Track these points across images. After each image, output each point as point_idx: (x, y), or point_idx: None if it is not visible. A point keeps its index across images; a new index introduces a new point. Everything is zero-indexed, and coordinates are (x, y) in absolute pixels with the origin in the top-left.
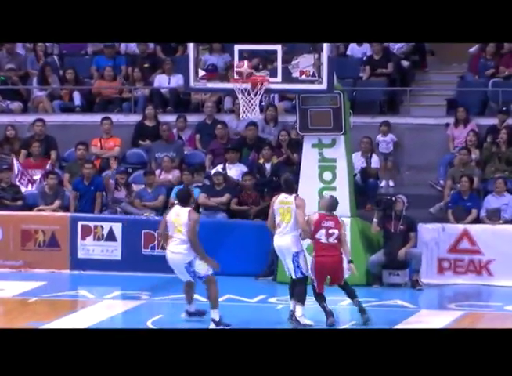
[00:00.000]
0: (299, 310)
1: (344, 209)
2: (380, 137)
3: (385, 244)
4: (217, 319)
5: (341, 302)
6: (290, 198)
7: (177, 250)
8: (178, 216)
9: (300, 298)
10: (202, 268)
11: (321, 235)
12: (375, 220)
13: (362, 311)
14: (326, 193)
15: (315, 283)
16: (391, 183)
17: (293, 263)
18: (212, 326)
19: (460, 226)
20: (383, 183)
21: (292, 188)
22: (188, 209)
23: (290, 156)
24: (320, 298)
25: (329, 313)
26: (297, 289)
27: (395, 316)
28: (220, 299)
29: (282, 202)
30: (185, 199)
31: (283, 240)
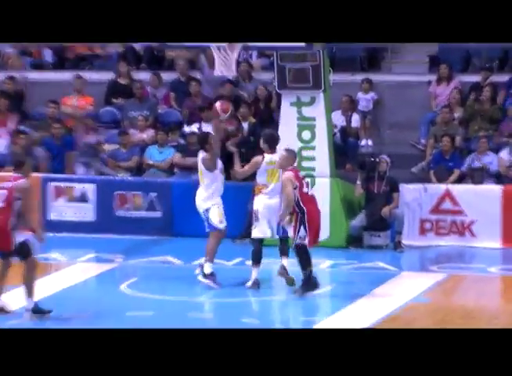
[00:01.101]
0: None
1: (323, 169)
2: (360, 95)
3: (367, 205)
4: (206, 271)
5: (321, 265)
6: (276, 157)
7: (197, 198)
8: (199, 162)
9: (286, 253)
10: (215, 218)
11: (304, 187)
12: (358, 182)
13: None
14: (281, 150)
15: (308, 237)
16: (371, 142)
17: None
18: (200, 278)
19: (442, 186)
20: (363, 142)
21: (275, 145)
22: (203, 155)
23: (267, 112)
24: (309, 262)
25: (312, 284)
26: (284, 247)
27: (376, 278)
28: (195, 262)
29: (269, 163)
30: (201, 143)
31: (273, 200)
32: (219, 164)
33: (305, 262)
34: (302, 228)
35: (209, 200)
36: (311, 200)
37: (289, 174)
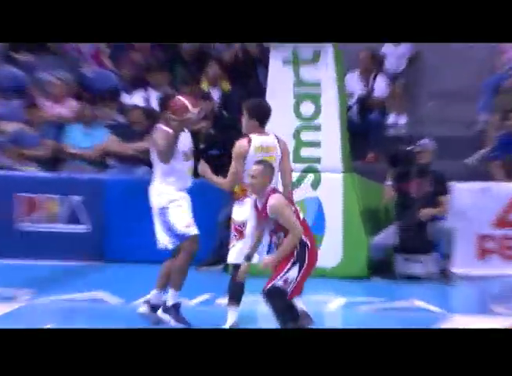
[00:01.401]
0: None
1: (333, 161)
2: (388, 48)
3: (400, 215)
4: (169, 303)
5: (329, 304)
6: (270, 140)
7: (151, 193)
8: (151, 144)
9: None
10: (178, 221)
11: (300, 213)
12: (389, 183)
13: None
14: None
15: (297, 283)
16: (404, 120)
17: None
18: (159, 313)
19: None
20: (392, 120)
21: (266, 119)
22: (155, 134)
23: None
24: (291, 305)
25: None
26: None
27: (412, 324)
28: (139, 300)
29: (258, 149)
30: (153, 116)
31: None
32: (184, 146)
33: (285, 307)
34: (296, 268)
35: (166, 194)
36: (308, 231)
37: (279, 197)
